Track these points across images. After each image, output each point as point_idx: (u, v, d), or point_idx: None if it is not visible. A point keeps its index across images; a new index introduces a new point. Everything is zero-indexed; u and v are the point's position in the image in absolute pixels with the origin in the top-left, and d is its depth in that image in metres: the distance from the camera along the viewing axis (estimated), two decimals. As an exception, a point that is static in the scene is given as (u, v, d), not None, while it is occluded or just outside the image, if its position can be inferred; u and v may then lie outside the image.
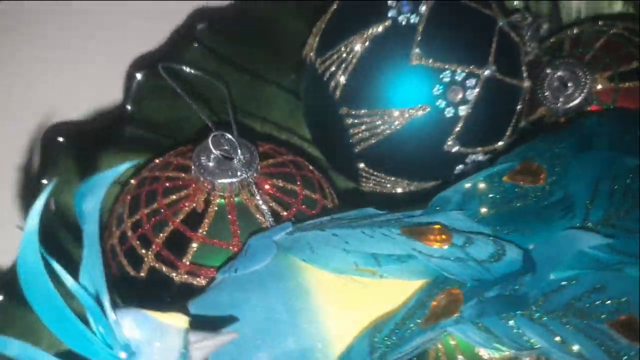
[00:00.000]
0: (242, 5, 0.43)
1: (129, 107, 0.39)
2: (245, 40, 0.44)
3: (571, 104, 0.38)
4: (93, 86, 0.43)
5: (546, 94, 0.38)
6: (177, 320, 0.21)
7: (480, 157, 0.37)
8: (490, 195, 0.30)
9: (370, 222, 0.29)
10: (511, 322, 0.28)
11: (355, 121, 0.36)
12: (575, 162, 0.32)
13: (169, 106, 0.40)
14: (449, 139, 0.35)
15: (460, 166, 0.37)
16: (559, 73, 0.38)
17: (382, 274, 0.26)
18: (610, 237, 0.29)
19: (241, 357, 0.25)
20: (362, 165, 0.37)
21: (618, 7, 0.48)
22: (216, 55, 0.42)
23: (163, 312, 0.22)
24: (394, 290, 0.26)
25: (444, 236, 0.27)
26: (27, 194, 0.40)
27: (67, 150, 0.38)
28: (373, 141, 0.36)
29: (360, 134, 0.36)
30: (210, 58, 0.42)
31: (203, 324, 0.23)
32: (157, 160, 0.35)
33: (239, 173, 0.32)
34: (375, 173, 0.38)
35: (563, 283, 0.29)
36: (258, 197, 0.31)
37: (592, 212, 0.30)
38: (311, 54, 0.38)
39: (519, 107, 0.37)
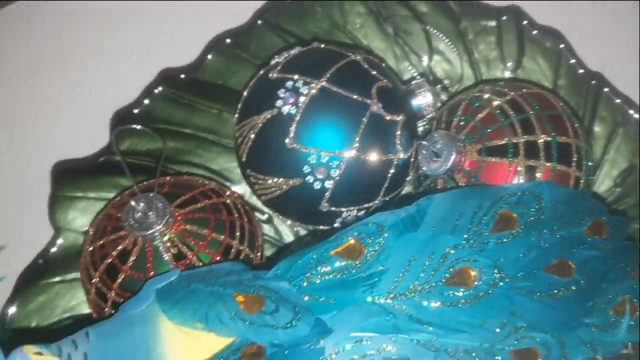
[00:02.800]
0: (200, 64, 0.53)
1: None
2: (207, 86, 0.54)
3: (439, 171, 0.45)
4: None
5: (423, 163, 0.46)
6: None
7: (356, 213, 0.46)
8: (317, 266, 0.40)
9: (224, 281, 0.40)
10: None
11: (257, 181, 0.46)
12: (396, 242, 0.40)
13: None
14: (323, 202, 0.44)
15: (340, 219, 0.46)
16: (435, 143, 0.45)
17: (209, 330, 0.38)
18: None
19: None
20: (270, 210, 0.48)
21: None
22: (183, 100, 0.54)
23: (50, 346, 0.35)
24: (215, 343, 0.38)
25: (258, 304, 0.38)
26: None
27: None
28: (270, 196, 0.46)
29: (262, 192, 0.46)
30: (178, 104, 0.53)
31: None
32: (116, 200, 0.48)
33: (150, 228, 0.44)
34: (284, 219, 0.48)
35: (361, 340, 0.39)
36: (160, 247, 0.44)
37: (399, 286, 0.39)
38: (235, 117, 0.48)
39: (389, 176, 0.45)
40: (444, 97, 0.52)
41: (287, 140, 0.43)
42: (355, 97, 0.43)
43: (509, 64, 0.53)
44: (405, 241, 0.40)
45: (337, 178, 0.43)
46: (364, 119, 0.43)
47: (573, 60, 0.51)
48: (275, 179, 0.44)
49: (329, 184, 0.43)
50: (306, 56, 0.46)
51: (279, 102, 0.44)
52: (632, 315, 0.41)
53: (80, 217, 0.53)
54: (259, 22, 0.54)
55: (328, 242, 0.41)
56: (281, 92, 0.44)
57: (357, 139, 0.43)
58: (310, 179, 0.43)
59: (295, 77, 0.44)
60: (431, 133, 0.46)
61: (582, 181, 0.44)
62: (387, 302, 0.39)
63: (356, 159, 0.43)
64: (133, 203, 0.44)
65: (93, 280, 0.45)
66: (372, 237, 0.40)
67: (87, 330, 0.39)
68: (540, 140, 0.43)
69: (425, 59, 0.52)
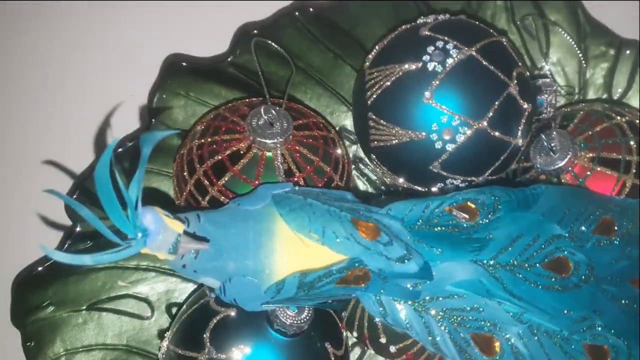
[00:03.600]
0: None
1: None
2: (335, 28, 0.55)
3: (551, 167, 0.47)
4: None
5: (535, 153, 0.48)
6: (176, 226, 0.36)
7: (458, 183, 0.47)
8: (430, 217, 0.42)
9: (339, 205, 0.42)
10: (399, 306, 0.40)
11: (377, 126, 0.47)
12: (507, 217, 0.42)
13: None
14: (435, 162, 0.46)
15: (440, 184, 0.48)
16: (552, 141, 0.47)
17: (323, 243, 0.39)
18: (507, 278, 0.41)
19: (217, 260, 0.39)
20: (373, 156, 0.49)
21: None
22: (309, 34, 0.55)
23: (172, 216, 0.36)
24: (326, 256, 0.39)
25: (373, 233, 0.40)
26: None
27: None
28: (383, 144, 0.47)
29: (377, 137, 0.48)
30: (303, 36, 0.54)
31: (194, 234, 0.37)
32: (229, 105, 0.49)
33: (272, 138, 0.45)
34: (384, 169, 0.49)
35: (453, 295, 0.41)
36: (278, 159, 0.45)
37: (501, 256, 0.41)
38: (366, 62, 0.49)
39: (504, 156, 0.47)
40: (561, 101, 0.54)
41: (426, 94, 0.44)
42: (498, 73, 0.45)
43: (618, 93, 0.55)
44: (516, 218, 0.42)
45: (459, 144, 0.45)
46: (501, 97, 0.45)
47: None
48: (399, 129, 0.46)
49: (450, 147, 0.45)
50: (457, 24, 0.48)
51: (426, 57, 0.45)
52: None
53: (178, 113, 0.54)
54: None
55: (445, 197, 0.42)
56: (430, 49, 0.45)
57: (491, 113, 0.45)
58: (434, 136, 0.45)
59: (446, 38, 0.45)
60: (549, 130, 0.48)
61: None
62: (487, 267, 0.41)
63: (483, 131, 0.45)
64: (263, 110, 0.45)
65: (196, 173, 0.46)
66: (488, 207, 0.42)
67: (198, 213, 0.40)
68: (652, 165, 0.46)
69: (544, 64, 0.54)
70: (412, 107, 0.45)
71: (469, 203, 0.42)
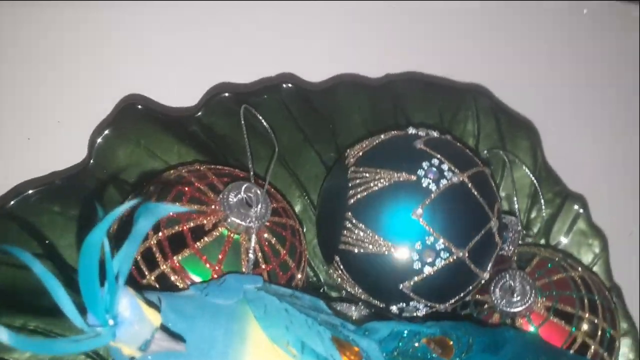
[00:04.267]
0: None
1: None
2: (314, 110, 0.52)
3: (510, 310, 0.46)
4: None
5: (496, 291, 0.47)
6: (153, 317, 0.29)
7: (420, 307, 0.45)
8: (406, 346, 0.39)
9: (316, 314, 0.37)
10: None
11: (352, 228, 0.44)
12: (477, 357, 0.40)
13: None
14: (407, 282, 0.43)
15: (402, 304, 0.45)
16: (516, 282, 0.47)
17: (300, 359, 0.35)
18: None
19: (178, 356, 0.33)
20: (337, 257, 0.46)
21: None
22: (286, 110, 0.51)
23: (147, 302, 0.30)
24: (302, 372, 0.35)
25: (353, 356, 0.36)
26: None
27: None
28: (356, 251, 0.44)
29: (349, 241, 0.44)
30: (280, 110, 0.50)
31: (169, 328, 0.31)
32: (199, 167, 0.44)
33: (248, 220, 0.40)
34: (345, 275, 0.46)
35: None
36: (251, 247, 0.40)
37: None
38: (351, 158, 0.46)
39: (470, 288, 0.45)
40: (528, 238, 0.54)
41: (417, 210, 0.42)
42: (484, 205, 0.44)
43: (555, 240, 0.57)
44: (486, 359, 0.40)
45: (438, 268, 0.43)
46: (483, 229, 0.44)
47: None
48: (379, 238, 0.43)
49: (427, 270, 0.43)
50: (448, 144, 0.47)
51: (420, 172, 0.43)
52: None
53: (121, 158, 0.47)
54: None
55: (422, 327, 0.40)
56: (425, 164, 0.44)
57: (472, 244, 0.43)
58: (415, 256, 0.43)
59: (441, 158, 0.44)
60: (513, 270, 0.47)
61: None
62: (454, 409, 0.38)
63: (462, 260, 0.43)
64: (244, 188, 0.40)
65: (148, 239, 0.39)
66: (463, 344, 0.40)
67: (158, 295, 0.34)
68: (600, 327, 0.47)
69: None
70: (398, 219, 0.43)
71: (445, 339, 0.40)
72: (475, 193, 0.44)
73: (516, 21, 0.60)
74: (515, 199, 0.51)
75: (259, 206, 0.40)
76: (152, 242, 0.39)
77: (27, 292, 0.45)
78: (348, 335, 0.37)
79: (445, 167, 0.44)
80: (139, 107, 0.48)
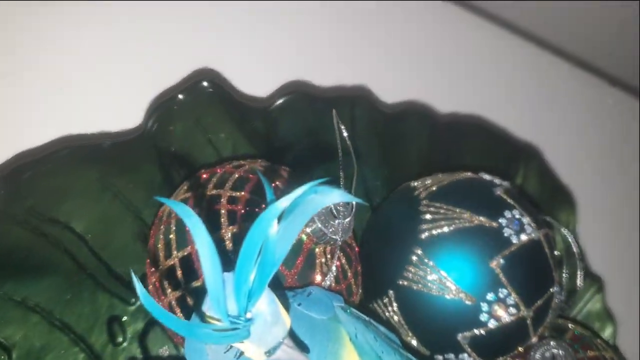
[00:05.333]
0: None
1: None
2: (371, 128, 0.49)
3: (547, 380, 0.45)
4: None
5: (537, 356, 0.45)
6: (287, 319, 0.25)
7: (467, 360, 0.43)
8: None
9: (396, 348, 0.34)
10: None
11: (420, 265, 0.41)
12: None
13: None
14: (467, 332, 0.41)
15: (451, 355, 0.42)
16: (559, 352, 0.45)
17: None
18: None
19: None
20: (391, 292, 0.42)
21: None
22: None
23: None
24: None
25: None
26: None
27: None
28: (415, 289, 0.41)
29: (413, 278, 0.41)
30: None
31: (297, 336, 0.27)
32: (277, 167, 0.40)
33: (332, 230, 0.36)
34: (398, 314, 0.43)
35: None
36: (335, 260, 0.36)
37: None
38: (422, 190, 0.44)
39: (517, 349, 0.43)
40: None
41: (498, 258, 0.40)
42: (553, 267, 0.43)
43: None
44: None
45: (502, 324, 0.40)
46: (548, 291, 0.42)
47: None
48: (449, 281, 0.40)
49: (492, 324, 0.40)
50: (524, 198, 0.45)
51: (502, 220, 0.41)
52: None
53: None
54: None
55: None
56: (507, 214, 0.42)
57: (538, 304, 0.41)
58: (484, 306, 0.40)
59: (522, 211, 0.42)
60: (556, 338, 0.46)
61: None
62: None
63: (523, 319, 0.41)
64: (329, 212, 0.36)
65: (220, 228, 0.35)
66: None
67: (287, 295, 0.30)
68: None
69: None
70: (474, 265, 0.40)
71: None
72: (548, 253, 0.43)
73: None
74: (564, 269, 0.50)
75: (347, 219, 0.36)
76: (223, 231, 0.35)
77: (36, 264, 0.39)
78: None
79: (525, 220, 0.42)
80: (207, 84, 0.43)
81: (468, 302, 0.40)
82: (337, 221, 0.37)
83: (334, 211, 0.37)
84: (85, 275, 0.41)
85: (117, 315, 0.42)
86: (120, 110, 0.41)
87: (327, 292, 0.34)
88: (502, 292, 0.40)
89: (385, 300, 0.43)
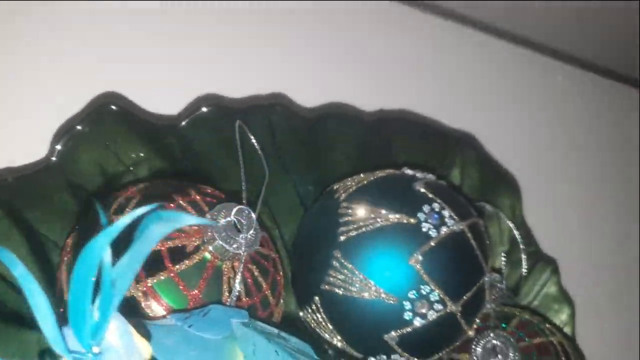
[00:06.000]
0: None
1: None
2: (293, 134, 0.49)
3: (488, 372, 0.44)
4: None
5: (478, 349, 0.44)
6: (145, 349, 0.24)
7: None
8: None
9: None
10: None
11: (339, 268, 0.40)
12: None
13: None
14: (394, 332, 0.40)
15: (383, 356, 0.42)
16: (498, 343, 0.44)
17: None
18: None
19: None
20: (316, 298, 0.42)
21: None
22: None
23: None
24: None
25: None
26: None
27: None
28: (340, 294, 0.40)
29: (335, 282, 0.41)
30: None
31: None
32: (173, 182, 0.39)
33: (236, 246, 0.35)
34: (324, 318, 0.42)
35: None
36: (239, 276, 0.35)
37: None
38: (342, 192, 0.43)
39: (453, 345, 0.43)
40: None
41: (416, 255, 0.39)
42: (481, 258, 0.42)
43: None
44: None
45: (429, 321, 0.40)
46: (477, 283, 0.41)
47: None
48: (370, 282, 0.39)
49: (417, 321, 0.39)
50: (447, 190, 0.44)
51: (421, 215, 0.40)
52: None
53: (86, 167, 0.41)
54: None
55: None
56: (426, 208, 0.41)
57: (465, 298, 0.41)
58: (407, 304, 0.39)
59: (442, 203, 0.41)
60: (496, 329, 0.45)
61: None
62: None
63: (452, 315, 0.40)
64: (235, 211, 0.36)
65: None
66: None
67: (144, 323, 0.29)
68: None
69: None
70: (393, 264, 0.39)
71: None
72: (474, 244, 0.42)
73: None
74: (502, 256, 0.49)
75: (251, 232, 0.36)
76: (123, 260, 0.34)
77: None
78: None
79: (446, 213, 0.41)
80: (113, 107, 0.43)
81: (390, 302, 0.39)
82: (241, 235, 0.36)
83: (238, 225, 0.36)
84: (8, 312, 0.40)
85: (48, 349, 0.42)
86: (24, 143, 0.40)
87: (228, 309, 0.33)
88: (425, 289, 0.39)
89: (313, 307, 0.42)
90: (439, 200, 0.42)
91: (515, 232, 0.52)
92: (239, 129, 0.42)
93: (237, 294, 0.35)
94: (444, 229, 0.41)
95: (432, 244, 0.40)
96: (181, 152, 0.44)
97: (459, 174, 0.54)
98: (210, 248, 0.35)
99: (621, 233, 0.65)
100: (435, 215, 0.41)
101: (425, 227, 0.40)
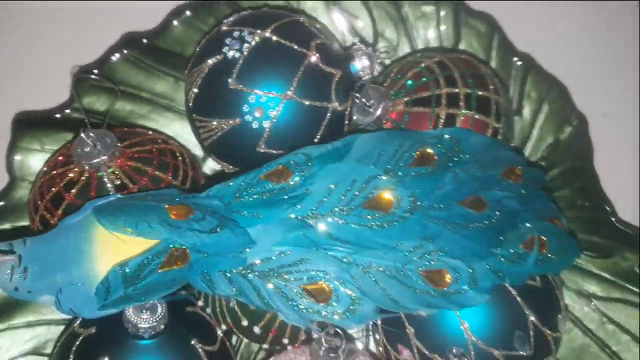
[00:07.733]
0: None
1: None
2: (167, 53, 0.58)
3: (367, 118, 0.49)
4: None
5: (353, 112, 0.49)
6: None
7: (291, 157, 0.49)
8: (248, 187, 0.43)
9: (160, 198, 0.43)
10: (224, 276, 0.41)
11: (201, 124, 0.49)
12: (321, 170, 0.43)
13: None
14: (260, 142, 0.48)
15: (277, 164, 0.49)
16: (366, 96, 0.49)
17: (137, 234, 0.40)
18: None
19: (46, 276, 0.40)
20: (213, 156, 0.51)
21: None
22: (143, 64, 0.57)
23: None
24: (142, 245, 0.40)
25: (186, 213, 0.41)
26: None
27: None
28: (212, 140, 0.49)
29: (206, 135, 0.50)
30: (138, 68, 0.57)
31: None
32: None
33: (97, 157, 0.47)
34: (227, 165, 0.51)
35: (279, 253, 0.42)
36: (105, 178, 0.47)
37: (321, 207, 0.42)
38: (186, 71, 0.52)
39: (325, 122, 0.48)
40: (386, 61, 0.56)
41: (229, 81, 0.47)
42: (295, 47, 0.47)
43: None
44: (330, 170, 0.43)
45: (274, 120, 0.47)
46: (302, 66, 0.47)
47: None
48: (218, 120, 0.48)
49: (266, 124, 0.47)
50: (255, 14, 0.51)
51: (225, 49, 0.48)
52: (539, 251, 0.44)
53: (36, 169, 0.56)
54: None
55: (259, 168, 0.44)
56: (228, 40, 0.48)
57: (295, 84, 0.47)
58: (249, 118, 0.47)
59: (242, 28, 0.48)
60: (365, 88, 0.50)
61: (500, 132, 0.48)
62: (308, 219, 0.42)
63: (292, 102, 0.47)
64: (83, 135, 0.47)
65: (39, 210, 0.48)
66: (300, 165, 0.43)
67: (24, 239, 0.42)
68: (462, 92, 0.47)
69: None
70: (222, 96, 0.47)
71: (281, 167, 0.43)
72: (281, 41, 0.47)
73: None
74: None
75: (99, 143, 0.47)
76: (41, 209, 0.48)
77: None
78: (186, 200, 0.42)
79: (245, 33, 0.47)
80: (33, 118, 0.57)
81: (237, 124, 0.47)
82: (96, 149, 0.47)
83: (92, 144, 0.47)
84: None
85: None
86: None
87: (98, 199, 0.44)
88: (252, 99, 0.46)
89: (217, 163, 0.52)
90: (239, 28, 0.48)
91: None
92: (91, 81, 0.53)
93: (113, 187, 0.46)
94: (245, 46, 0.47)
95: (239, 62, 0.47)
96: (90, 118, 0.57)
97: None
98: (87, 169, 0.47)
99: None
100: (235, 41, 0.47)
101: (230, 54, 0.47)
